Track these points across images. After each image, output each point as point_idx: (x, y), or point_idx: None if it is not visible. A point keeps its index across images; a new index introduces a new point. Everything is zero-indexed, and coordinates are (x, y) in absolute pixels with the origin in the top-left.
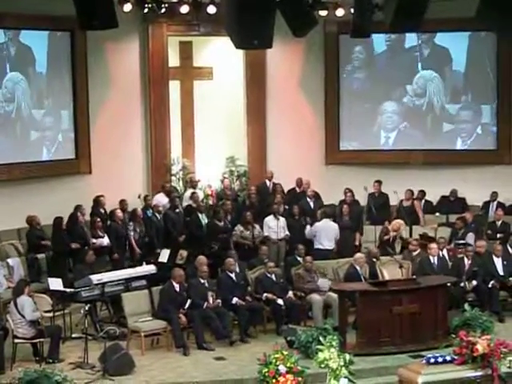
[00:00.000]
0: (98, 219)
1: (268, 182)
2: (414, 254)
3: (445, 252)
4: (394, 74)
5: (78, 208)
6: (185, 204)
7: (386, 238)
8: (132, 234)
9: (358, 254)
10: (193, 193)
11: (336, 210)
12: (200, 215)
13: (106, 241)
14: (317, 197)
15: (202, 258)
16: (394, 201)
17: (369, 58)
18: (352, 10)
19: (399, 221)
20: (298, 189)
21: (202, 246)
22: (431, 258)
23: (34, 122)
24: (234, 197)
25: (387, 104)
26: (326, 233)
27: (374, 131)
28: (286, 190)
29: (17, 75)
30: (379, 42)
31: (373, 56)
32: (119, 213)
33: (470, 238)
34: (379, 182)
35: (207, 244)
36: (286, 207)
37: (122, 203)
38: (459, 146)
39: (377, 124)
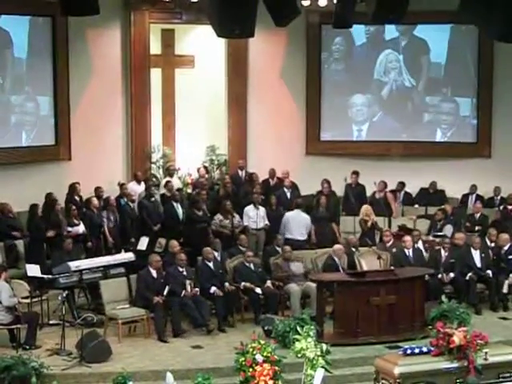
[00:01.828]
0: (74, 207)
1: (240, 172)
2: (388, 244)
3: (420, 244)
4: (373, 65)
5: (48, 196)
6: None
7: (370, 224)
8: (106, 222)
9: (337, 246)
10: (167, 181)
11: (313, 201)
12: (175, 204)
13: (81, 229)
14: (294, 187)
15: (173, 242)
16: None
17: (349, 49)
18: (334, 1)
19: (366, 206)
20: (271, 180)
21: (177, 234)
22: (406, 250)
23: (12, 107)
24: (210, 186)
25: (366, 95)
26: (295, 223)
27: (354, 122)
28: (262, 180)
29: None
30: (359, 33)
31: (352, 47)
32: (95, 201)
33: (448, 230)
34: (356, 173)
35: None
36: (262, 197)
37: (98, 190)
38: (439, 138)
39: (357, 115)
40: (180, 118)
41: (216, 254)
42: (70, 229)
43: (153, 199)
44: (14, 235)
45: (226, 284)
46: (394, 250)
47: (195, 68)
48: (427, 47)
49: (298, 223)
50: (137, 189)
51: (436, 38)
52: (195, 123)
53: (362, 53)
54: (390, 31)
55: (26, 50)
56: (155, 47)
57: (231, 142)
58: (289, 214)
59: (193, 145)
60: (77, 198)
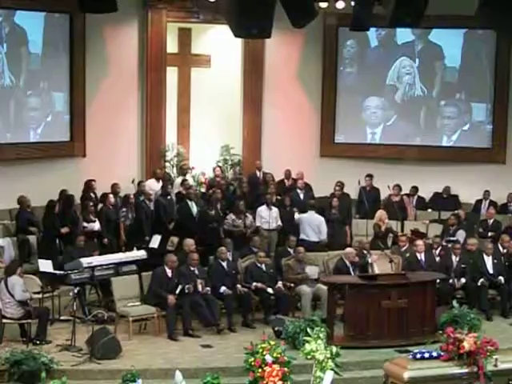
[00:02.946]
0: (91, 203)
1: (258, 173)
2: (403, 249)
3: (437, 251)
4: (387, 68)
5: (62, 192)
6: (176, 191)
7: (384, 229)
8: (123, 219)
9: (348, 249)
10: (183, 180)
11: (326, 203)
12: (189, 203)
13: (97, 225)
14: (307, 188)
15: (188, 241)
16: (386, 195)
17: (362, 52)
18: (352, 3)
19: (381, 211)
20: (286, 181)
21: (191, 233)
22: (418, 254)
23: (28, 102)
24: (225, 186)
25: (381, 98)
26: (309, 224)
27: (368, 125)
28: (278, 181)
29: (9, 55)
30: (373, 36)
31: (366, 50)
32: (112, 198)
33: (460, 235)
34: (370, 177)
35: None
36: (278, 197)
37: (115, 187)
38: (453, 143)
39: (371, 118)
40: (195, 117)
41: (228, 253)
42: (85, 224)
43: (169, 197)
44: (31, 231)
45: (238, 286)
46: (408, 254)
47: (211, 67)
48: (441, 52)
49: (311, 224)
50: (155, 186)
51: (450, 42)
52: (210, 122)
53: (375, 55)
54: (404, 35)
55: (41, 47)
56: (172, 46)
57: (245, 142)
58: (303, 216)
59: (207, 144)
60: (92, 194)
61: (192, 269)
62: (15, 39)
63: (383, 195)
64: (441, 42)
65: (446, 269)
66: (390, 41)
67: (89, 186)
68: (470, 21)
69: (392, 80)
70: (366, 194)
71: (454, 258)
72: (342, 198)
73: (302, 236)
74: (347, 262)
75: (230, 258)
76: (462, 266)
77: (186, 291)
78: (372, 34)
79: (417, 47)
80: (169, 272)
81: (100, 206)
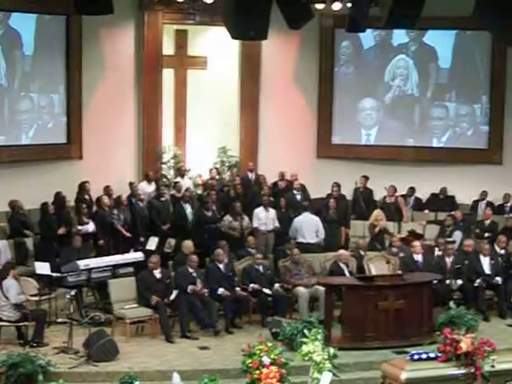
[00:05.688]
0: (84, 205)
1: (250, 174)
2: (395, 250)
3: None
4: (383, 70)
5: (57, 195)
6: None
7: (377, 230)
8: (117, 220)
9: (341, 251)
10: (175, 182)
11: (323, 204)
12: (184, 205)
13: (91, 227)
14: (303, 190)
15: (188, 243)
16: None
17: (357, 53)
18: (349, 5)
19: (378, 211)
20: (280, 183)
21: (186, 235)
22: (415, 255)
23: (25, 105)
24: (220, 187)
25: (376, 100)
26: (306, 226)
27: (363, 126)
28: (271, 183)
29: (4, 57)
30: (367, 37)
31: (361, 51)
32: (106, 199)
33: (457, 236)
34: (366, 178)
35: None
36: (271, 199)
37: (107, 189)
38: (449, 143)
39: (366, 119)
40: (191, 119)
41: (224, 255)
42: (80, 227)
43: (163, 199)
44: (25, 233)
45: (237, 289)
46: (401, 254)
47: (208, 69)
48: (436, 53)
49: (308, 226)
50: (147, 188)
51: (444, 44)
52: (207, 124)
53: (370, 57)
54: (400, 36)
55: (37, 49)
56: (168, 48)
57: (243, 143)
58: (299, 219)
59: (204, 146)
60: (86, 196)
61: (190, 270)
62: (10, 41)
63: (378, 196)
64: (435, 43)
65: (441, 270)
66: (387, 42)
67: (83, 187)
68: (464, 22)
69: (387, 81)
70: (360, 194)
71: (447, 259)
72: (339, 199)
73: (300, 239)
74: (341, 265)
75: (226, 261)
76: (456, 266)
77: (190, 292)
78: (369, 34)
79: (411, 48)
80: (156, 273)
81: (95, 208)
